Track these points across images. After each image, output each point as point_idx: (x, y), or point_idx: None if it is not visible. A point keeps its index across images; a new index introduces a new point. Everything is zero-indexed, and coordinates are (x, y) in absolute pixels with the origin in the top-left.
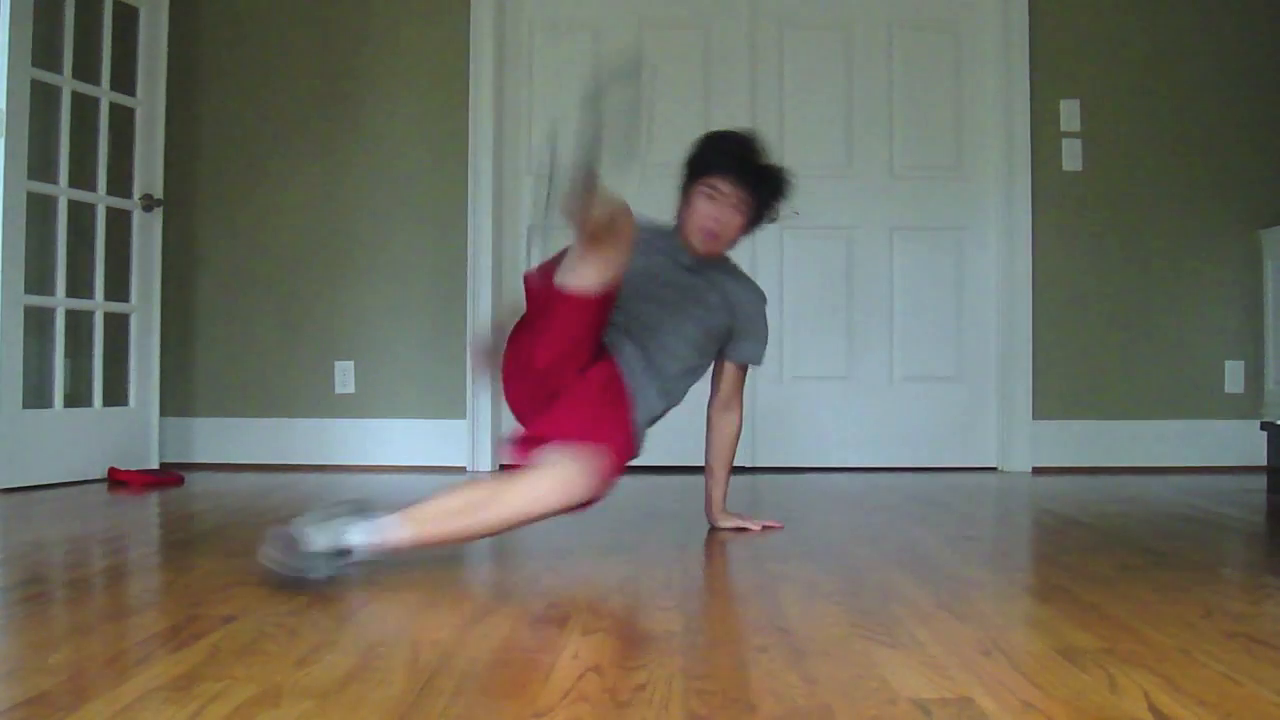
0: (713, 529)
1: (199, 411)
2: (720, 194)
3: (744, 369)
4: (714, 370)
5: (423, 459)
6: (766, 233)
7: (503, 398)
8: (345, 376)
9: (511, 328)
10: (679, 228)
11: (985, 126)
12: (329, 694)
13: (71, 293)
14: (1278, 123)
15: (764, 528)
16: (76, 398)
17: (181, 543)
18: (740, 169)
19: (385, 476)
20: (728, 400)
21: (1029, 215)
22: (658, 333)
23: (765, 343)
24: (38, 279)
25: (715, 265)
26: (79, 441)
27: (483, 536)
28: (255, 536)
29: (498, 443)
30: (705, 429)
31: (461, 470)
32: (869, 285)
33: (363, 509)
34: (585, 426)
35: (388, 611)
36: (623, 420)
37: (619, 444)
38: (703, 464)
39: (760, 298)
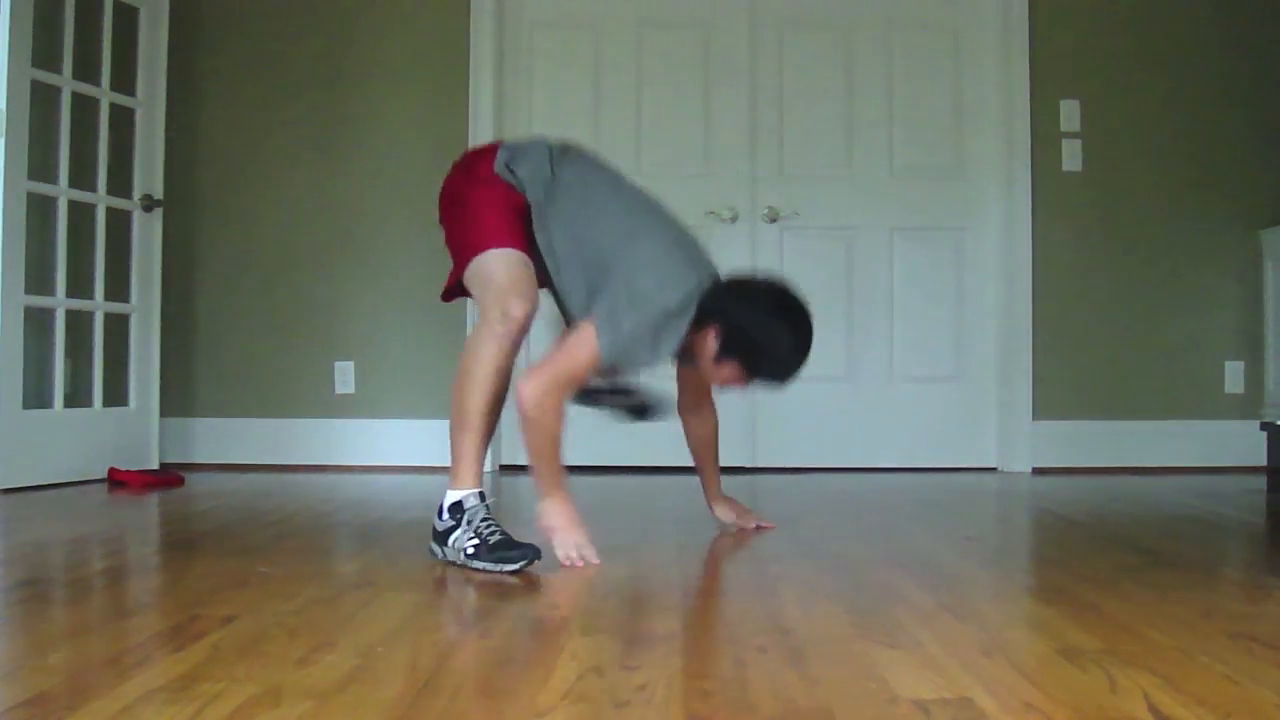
0: (718, 521)
1: (199, 411)
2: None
3: None
4: (678, 375)
5: (423, 459)
6: (766, 232)
7: None
8: (345, 376)
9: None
10: (690, 347)
11: (985, 126)
12: (329, 694)
13: (71, 293)
14: (1278, 123)
15: (757, 527)
16: (76, 398)
17: (181, 543)
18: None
19: (385, 477)
20: (697, 402)
21: (1029, 216)
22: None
23: None
24: (38, 279)
25: None
26: (79, 441)
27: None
28: (255, 537)
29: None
30: (683, 430)
31: None
32: (869, 285)
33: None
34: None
35: (388, 611)
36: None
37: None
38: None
39: None
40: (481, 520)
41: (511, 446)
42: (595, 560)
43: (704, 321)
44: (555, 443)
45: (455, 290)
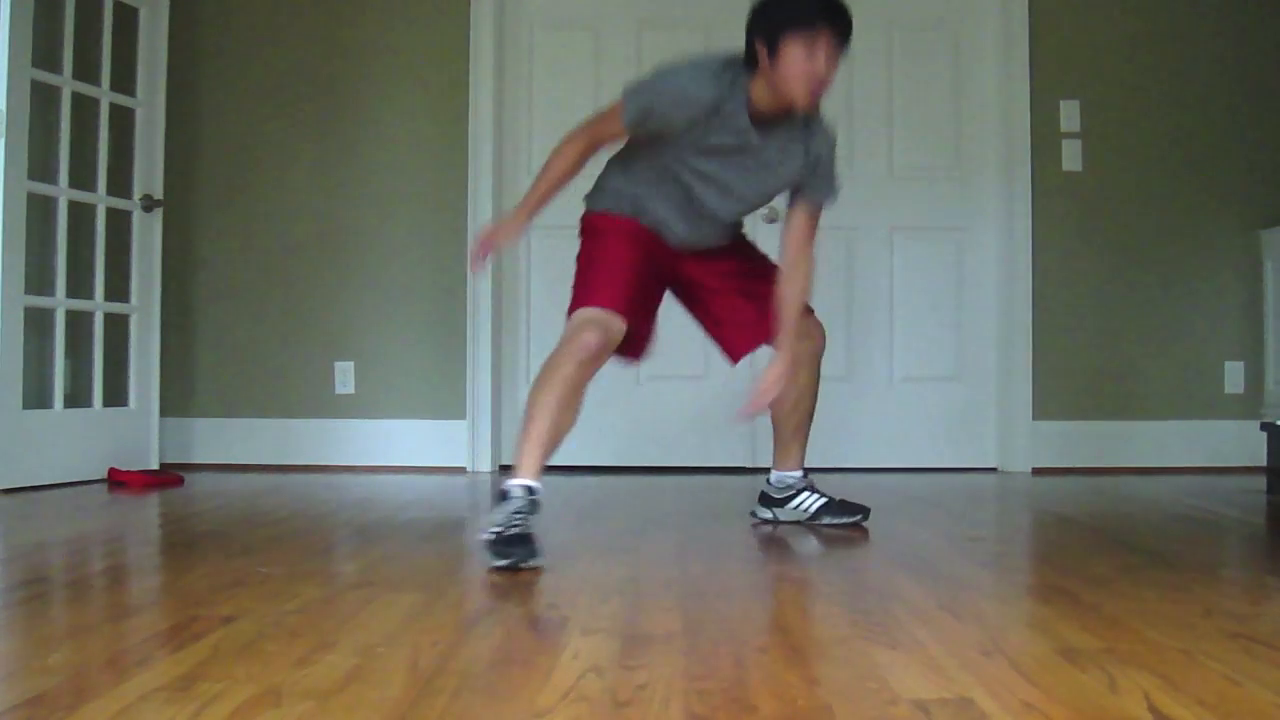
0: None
1: (199, 412)
2: (825, 49)
3: (817, 215)
4: (785, 222)
5: (423, 459)
6: (766, 233)
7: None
8: (345, 376)
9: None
10: (752, 85)
11: (985, 126)
12: (329, 694)
13: (71, 293)
14: (1278, 123)
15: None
16: (76, 398)
17: (181, 543)
18: (841, 21)
19: (385, 477)
20: (796, 256)
21: (1029, 215)
22: (715, 218)
23: (836, 183)
24: (38, 279)
25: (786, 120)
26: (79, 442)
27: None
28: (255, 537)
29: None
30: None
31: (461, 471)
32: (869, 285)
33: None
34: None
35: (388, 611)
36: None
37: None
38: (701, 465)
39: (833, 142)
40: (514, 512)
41: (511, 447)
42: (484, 260)
43: (750, 61)
44: (551, 180)
45: None
